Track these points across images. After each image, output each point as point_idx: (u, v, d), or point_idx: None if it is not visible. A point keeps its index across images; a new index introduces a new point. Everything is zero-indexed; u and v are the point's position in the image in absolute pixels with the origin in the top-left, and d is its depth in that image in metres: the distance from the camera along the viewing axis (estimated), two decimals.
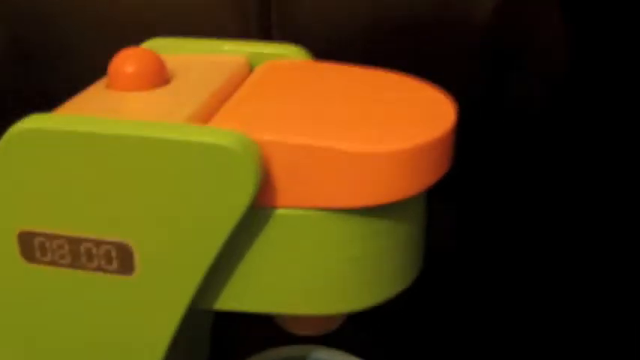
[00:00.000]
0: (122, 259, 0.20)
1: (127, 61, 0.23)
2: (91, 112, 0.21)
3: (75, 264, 0.20)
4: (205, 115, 0.21)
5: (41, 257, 0.20)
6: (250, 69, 0.27)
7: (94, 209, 0.19)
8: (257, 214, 0.20)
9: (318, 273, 0.21)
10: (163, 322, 0.21)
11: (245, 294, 0.21)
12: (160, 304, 0.21)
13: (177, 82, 0.24)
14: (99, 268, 0.20)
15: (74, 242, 0.20)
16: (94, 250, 0.20)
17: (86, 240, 0.20)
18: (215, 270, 0.21)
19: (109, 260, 0.20)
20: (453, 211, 0.51)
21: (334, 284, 0.21)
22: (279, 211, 0.20)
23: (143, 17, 0.46)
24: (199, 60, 0.26)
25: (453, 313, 0.47)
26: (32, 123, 0.20)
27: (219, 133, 0.19)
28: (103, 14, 0.46)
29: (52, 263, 0.20)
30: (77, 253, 0.20)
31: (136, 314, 0.21)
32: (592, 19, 0.49)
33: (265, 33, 0.48)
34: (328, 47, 0.47)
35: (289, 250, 0.21)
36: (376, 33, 0.48)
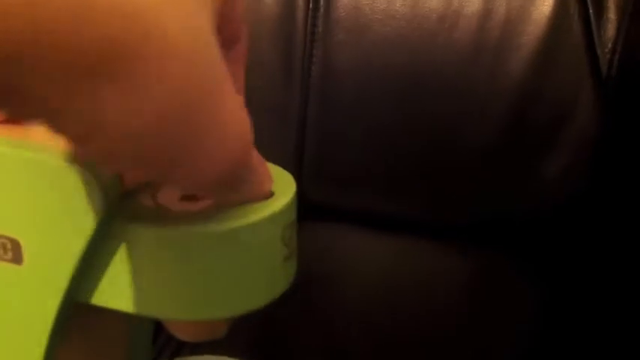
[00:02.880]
0: (14, 251, 0.23)
1: None
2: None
3: None
4: None
5: None
6: None
7: None
8: (119, 225, 0.23)
9: (184, 281, 0.23)
10: (45, 309, 0.24)
11: (119, 295, 0.24)
12: (41, 292, 0.24)
13: None
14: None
15: None
16: None
17: None
18: (90, 268, 0.23)
19: (5, 250, 0.23)
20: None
21: (199, 292, 0.23)
22: (138, 226, 0.23)
23: None
24: None
25: None
26: None
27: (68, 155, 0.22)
28: None
29: None
30: None
31: (23, 299, 0.24)
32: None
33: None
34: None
35: (152, 260, 0.23)
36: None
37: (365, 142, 0.52)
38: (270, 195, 0.25)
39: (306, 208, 0.53)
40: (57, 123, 0.16)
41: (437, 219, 0.53)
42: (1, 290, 0.24)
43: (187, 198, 0.25)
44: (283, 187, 0.27)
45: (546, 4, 0.52)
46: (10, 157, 0.23)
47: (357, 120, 0.52)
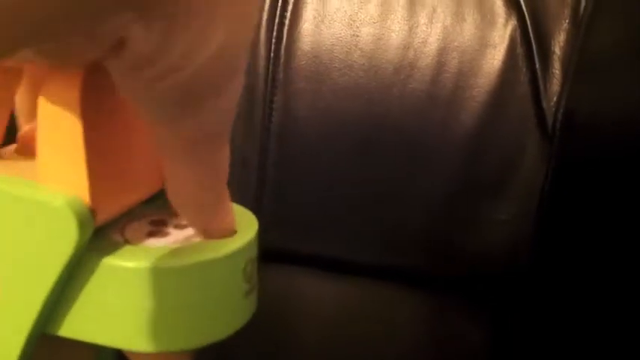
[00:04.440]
0: None
1: (28, 131, 0.27)
2: None
3: None
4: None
5: None
6: None
7: None
8: (89, 260, 0.24)
9: (147, 314, 0.24)
10: (14, 341, 0.24)
11: (86, 327, 0.25)
12: (11, 324, 0.24)
13: None
14: None
15: None
16: None
17: None
18: (58, 301, 0.24)
19: None
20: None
21: (164, 324, 0.25)
22: (107, 261, 0.24)
23: None
24: None
25: None
26: None
27: (46, 192, 0.23)
28: None
29: None
30: None
31: None
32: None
33: None
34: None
35: (118, 294, 0.24)
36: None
37: (322, 188, 0.54)
38: (232, 232, 0.26)
39: (265, 252, 0.54)
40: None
41: (392, 264, 0.55)
42: None
43: (153, 234, 0.27)
44: (245, 225, 0.28)
45: (496, 58, 0.55)
46: None
47: (314, 167, 0.54)
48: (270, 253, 0.53)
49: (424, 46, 0.55)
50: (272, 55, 0.56)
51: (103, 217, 0.24)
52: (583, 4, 0.56)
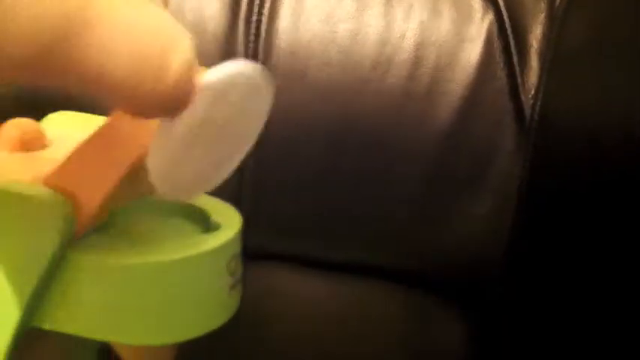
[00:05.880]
0: None
1: (10, 128, 0.28)
2: None
3: None
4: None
5: None
6: None
7: None
8: (76, 255, 0.24)
9: (134, 308, 0.25)
10: (1, 333, 0.24)
11: (72, 319, 0.25)
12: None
13: (54, 147, 0.29)
14: None
15: None
16: None
17: None
18: (45, 295, 0.25)
19: None
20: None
21: (150, 318, 0.25)
22: (92, 256, 0.24)
23: None
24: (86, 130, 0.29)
25: None
26: None
27: (32, 187, 0.24)
28: None
29: None
30: None
31: None
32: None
33: None
34: None
35: (105, 288, 0.25)
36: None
37: (300, 186, 0.54)
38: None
39: (244, 251, 0.54)
40: None
41: (370, 261, 0.55)
42: None
43: None
44: (229, 220, 0.29)
45: (473, 52, 0.55)
46: None
47: (292, 165, 0.54)
48: (247, 251, 0.54)
49: (401, 42, 0.55)
50: (250, 53, 0.56)
51: (89, 210, 0.25)
52: None
